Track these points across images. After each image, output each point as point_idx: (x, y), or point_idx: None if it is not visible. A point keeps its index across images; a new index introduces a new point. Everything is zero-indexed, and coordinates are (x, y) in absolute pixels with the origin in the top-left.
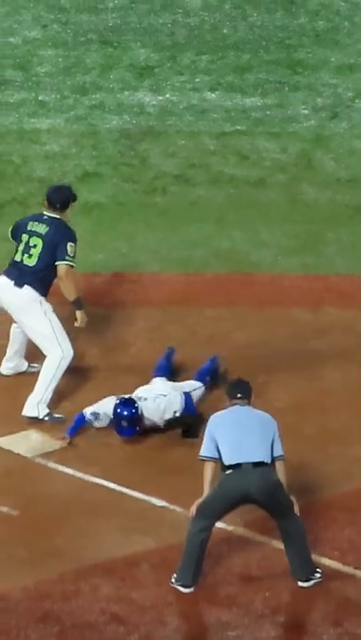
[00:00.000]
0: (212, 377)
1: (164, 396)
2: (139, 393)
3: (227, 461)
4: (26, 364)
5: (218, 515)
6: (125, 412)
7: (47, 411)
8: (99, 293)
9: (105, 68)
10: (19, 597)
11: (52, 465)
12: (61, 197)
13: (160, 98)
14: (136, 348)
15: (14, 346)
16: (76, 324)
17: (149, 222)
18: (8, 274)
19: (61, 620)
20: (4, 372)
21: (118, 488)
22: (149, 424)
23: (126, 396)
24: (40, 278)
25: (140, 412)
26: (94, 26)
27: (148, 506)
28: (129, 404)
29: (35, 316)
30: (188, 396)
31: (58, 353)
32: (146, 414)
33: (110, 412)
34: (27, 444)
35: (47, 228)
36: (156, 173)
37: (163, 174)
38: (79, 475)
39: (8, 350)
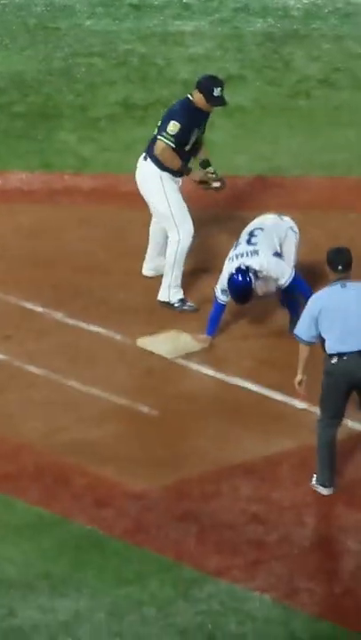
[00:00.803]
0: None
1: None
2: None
3: (331, 350)
4: None
5: (337, 408)
6: (239, 282)
7: (179, 297)
8: (241, 196)
9: None
10: (159, 496)
11: (192, 366)
12: (202, 78)
13: (305, 1)
14: None
15: (153, 245)
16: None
17: (293, 126)
18: (146, 148)
19: (200, 520)
20: (145, 273)
21: (259, 389)
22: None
23: (243, 266)
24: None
25: (253, 284)
26: None
27: (288, 408)
28: (243, 273)
29: (154, 193)
30: (298, 275)
31: (175, 236)
32: (259, 267)
33: None
34: (168, 344)
35: (172, 104)
36: (299, 77)
37: (306, 78)
38: (220, 376)
39: (148, 250)
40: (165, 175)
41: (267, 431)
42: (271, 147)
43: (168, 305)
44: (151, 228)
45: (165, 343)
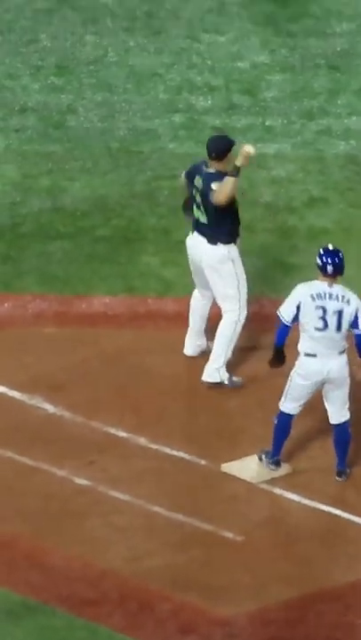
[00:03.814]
0: None
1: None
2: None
3: None
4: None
5: None
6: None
7: (227, 375)
8: None
9: (332, 93)
10: (244, 623)
11: (277, 491)
12: (216, 146)
13: None
14: None
15: (196, 320)
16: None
17: None
18: (199, 231)
19: None
20: (189, 353)
21: (344, 515)
22: None
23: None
24: (220, 233)
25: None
26: (322, 51)
27: None
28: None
29: (225, 276)
30: None
31: (233, 317)
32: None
33: None
34: (252, 469)
35: (203, 184)
36: None
37: None
38: (305, 501)
39: (193, 328)
40: (235, 254)
41: (352, 556)
42: (356, 270)
43: (218, 385)
44: (194, 305)
45: (250, 468)
